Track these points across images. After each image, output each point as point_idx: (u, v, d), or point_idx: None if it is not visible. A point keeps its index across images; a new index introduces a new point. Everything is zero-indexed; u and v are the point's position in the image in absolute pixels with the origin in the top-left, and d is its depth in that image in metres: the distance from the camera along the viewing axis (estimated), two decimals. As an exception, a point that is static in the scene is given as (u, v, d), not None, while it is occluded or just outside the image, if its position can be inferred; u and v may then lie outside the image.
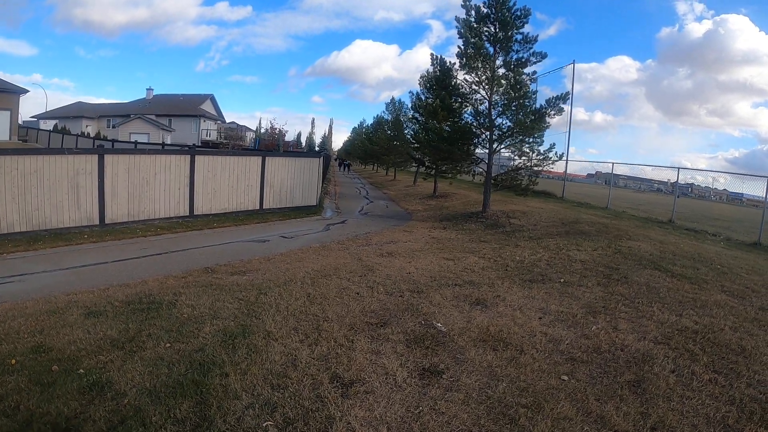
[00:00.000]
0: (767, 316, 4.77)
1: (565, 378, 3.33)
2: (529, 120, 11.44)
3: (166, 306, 5.03)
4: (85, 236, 10.32)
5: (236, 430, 2.67)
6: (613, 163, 16.07)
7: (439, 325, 4.38)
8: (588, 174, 34.97)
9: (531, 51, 11.46)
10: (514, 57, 11.72)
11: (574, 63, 17.47)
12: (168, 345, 3.94)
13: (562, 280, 6.03)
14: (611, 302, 5.09)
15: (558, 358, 3.67)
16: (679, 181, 14.39)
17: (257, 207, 14.65)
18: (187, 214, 12.71)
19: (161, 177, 12.06)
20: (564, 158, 12.64)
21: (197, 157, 12.81)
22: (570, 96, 16.58)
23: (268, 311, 4.79)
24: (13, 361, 3.70)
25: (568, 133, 17.28)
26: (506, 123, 12.38)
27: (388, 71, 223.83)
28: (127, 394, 3.11)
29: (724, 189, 27.40)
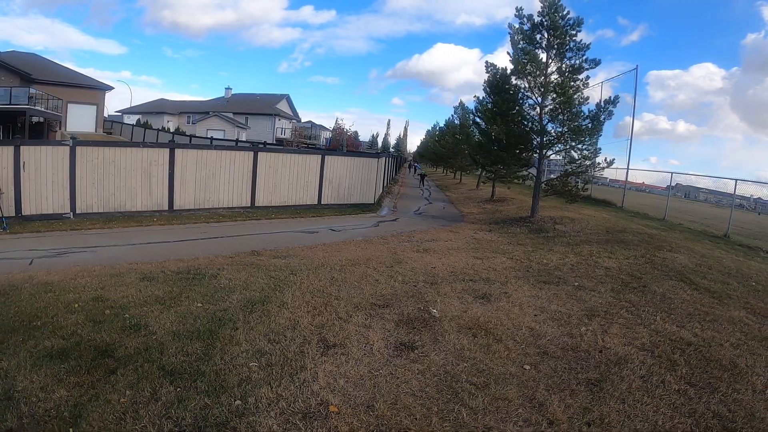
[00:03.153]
0: (784, 337, 4.56)
1: (527, 368, 3.58)
2: (583, 125, 11.26)
3: (208, 277, 5.89)
4: (155, 219, 11.84)
5: (228, 365, 3.33)
6: (671, 173, 15.42)
7: (434, 311, 4.76)
8: (668, 185, 32.54)
9: (584, 57, 11.31)
10: (567, 63, 11.61)
11: (636, 69, 16.76)
12: (199, 305, 4.73)
13: (576, 284, 6.10)
14: (615, 308, 5.13)
15: (531, 351, 3.90)
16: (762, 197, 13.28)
17: (315, 202, 15.67)
18: (249, 205, 14.00)
19: (226, 170, 13.43)
20: (614, 164, 12.15)
21: (260, 154, 14.07)
22: (630, 102, 16.03)
23: (290, 288, 5.46)
24: (76, 305, 4.69)
25: (629, 141, 16.58)
26: (557, 128, 12.27)
27: (468, 75, 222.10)
28: (156, 333, 3.93)
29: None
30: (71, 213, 11.71)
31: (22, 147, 11.23)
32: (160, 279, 5.87)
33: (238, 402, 2.89)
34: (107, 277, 6.07)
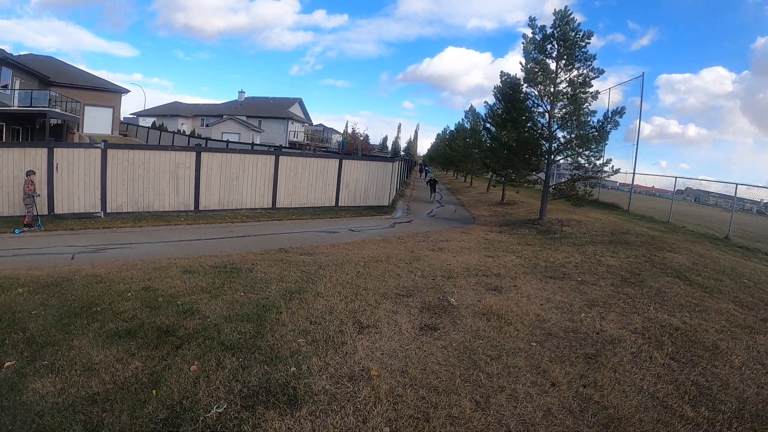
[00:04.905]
0: (766, 327, 5.07)
1: (534, 344, 4.18)
2: (590, 133, 11.84)
3: (245, 271, 6.55)
4: (182, 219, 12.57)
5: (279, 341, 3.96)
6: (676, 177, 16.01)
7: (452, 300, 5.37)
8: (678, 190, 32.92)
9: (591, 67, 11.93)
10: (576, 73, 12.21)
11: (643, 76, 17.24)
12: (242, 294, 5.38)
13: (579, 279, 6.67)
14: (613, 299, 5.70)
15: (537, 332, 4.50)
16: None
17: (333, 204, 16.35)
18: (270, 206, 14.73)
19: (249, 173, 14.18)
20: (620, 171, 12.74)
21: (281, 158, 14.81)
22: (638, 109, 16.52)
23: (322, 280, 6.09)
24: (129, 294, 5.34)
25: (636, 146, 17.10)
26: (565, 135, 12.88)
27: (479, 79, 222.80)
28: (209, 317, 4.55)
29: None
30: (102, 212, 12.44)
31: (55, 149, 11.95)
32: (201, 272, 6.53)
33: (293, 369, 3.51)
34: (151, 270, 6.74)
